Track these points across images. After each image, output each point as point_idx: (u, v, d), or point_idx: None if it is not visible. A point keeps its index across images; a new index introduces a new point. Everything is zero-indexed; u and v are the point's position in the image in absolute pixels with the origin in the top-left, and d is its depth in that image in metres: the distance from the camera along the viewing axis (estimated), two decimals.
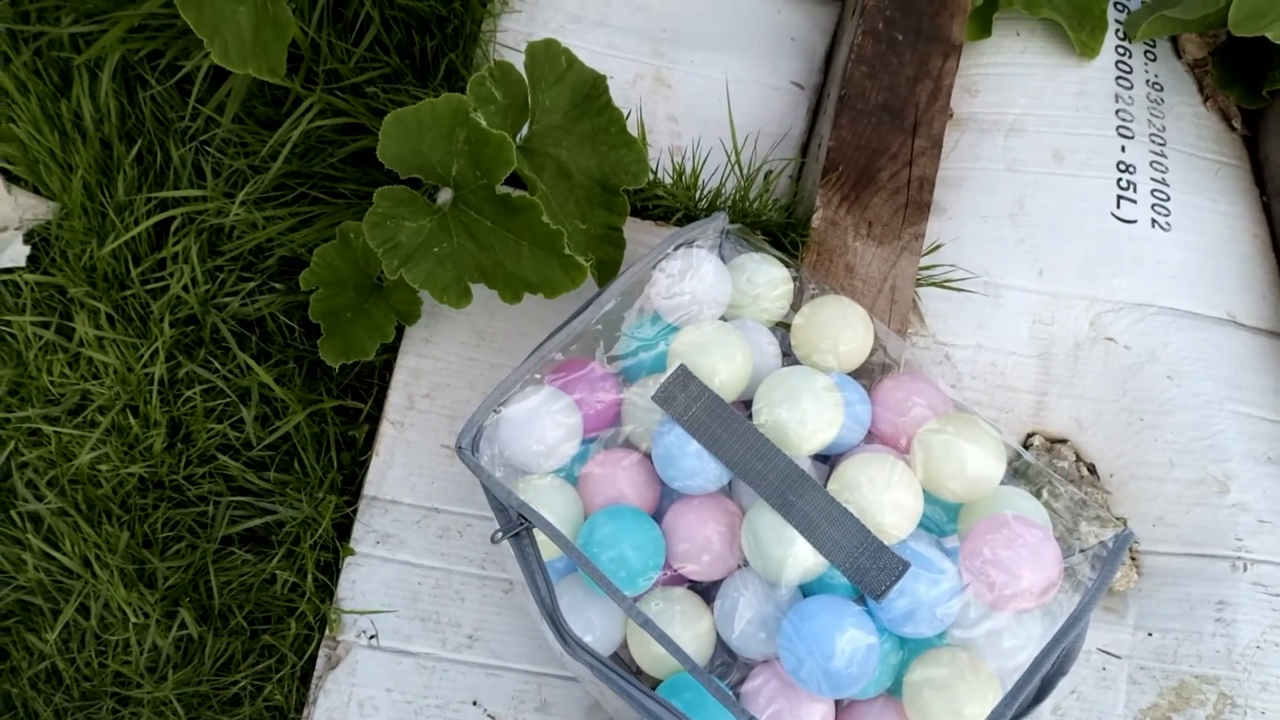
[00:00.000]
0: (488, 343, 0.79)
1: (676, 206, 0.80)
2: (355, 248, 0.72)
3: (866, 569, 0.55)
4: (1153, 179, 0.87)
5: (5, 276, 0.73)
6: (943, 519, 0.63)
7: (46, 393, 0.71)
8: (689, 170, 0.81)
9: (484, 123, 0.64)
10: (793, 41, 0.94)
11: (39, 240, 0.74)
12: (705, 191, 0.81)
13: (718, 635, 0.61)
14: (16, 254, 0.73)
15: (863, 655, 0.54)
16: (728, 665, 0.61)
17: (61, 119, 0.76)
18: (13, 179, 0.77)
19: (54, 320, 0.72)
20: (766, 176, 0.86)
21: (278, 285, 0.74)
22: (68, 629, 0.67)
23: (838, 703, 0.58)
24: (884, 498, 0.57)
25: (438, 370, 0.77)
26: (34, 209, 0.77)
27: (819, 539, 0.56)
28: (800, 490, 0.57)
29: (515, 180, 0.68)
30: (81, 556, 0.67)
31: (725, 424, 0.60)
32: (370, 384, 0.76)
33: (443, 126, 0.65)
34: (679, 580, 0.63)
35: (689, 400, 0.61)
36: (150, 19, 0.75)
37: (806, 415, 0.60)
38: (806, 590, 0.60)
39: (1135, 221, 0.84)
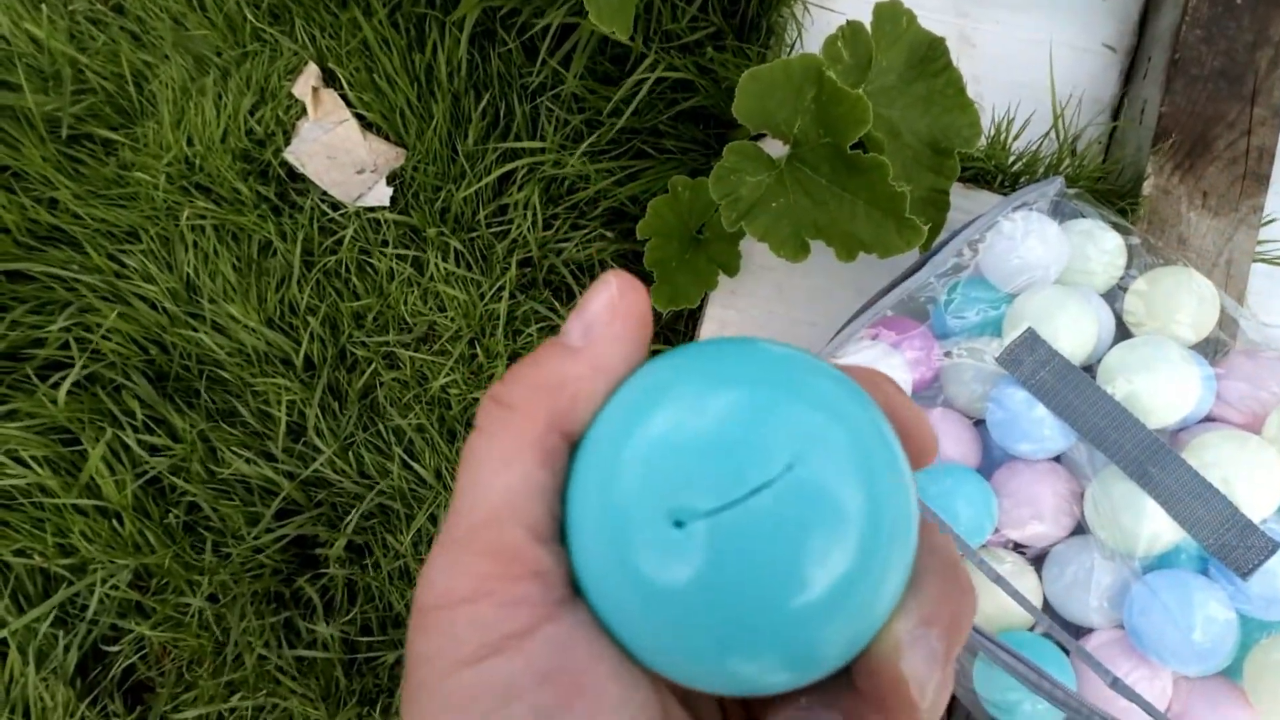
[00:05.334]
0: (785, 297, 0.81)
1: (990, 170, 0.79)
2: (682, 201, 0.76)
3: (1233, 546, 0.55)
4: None
5: (370, 214, 0.81)
6: None
7: (401, 322, 0.79)
8: (1004, 133, 0.80)
9: (838, 81, 0.66)
10: (1104, 2, 0.90)
11: (396, 183, 0.82)
12: (1019, 156, 0.79)
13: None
14: (381, 194, 0.81)
15: (1222, 630, 0.54)
16: (1049, 630, 0.61)
17: (415, 70, 0.83)
18: (364, 125, 0.85)
19: (410, 254, 0.80)
20: (1074, 141, 0.84)
21: (607, 233, 0.79)
22: (418, 534, 0.75)
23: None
24: (1247, 476, 0.56)
25: (741, 321, 0.80)
26: (385, 154, 0.84)
27: (1180, 512, 0.56)
28: (1162, 462, 0.57)
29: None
30: (434, 469, 0.75)
31: (1078, 390, 0.60)
32: (678, 331, 0.81)
33: (792, 84, 0.67)
34: (1003, 543, 0.64)
35: (1036, 364, 0.61)
36: None
37: (1164, 386, 0.59)
38: (1147, 564, 0.59)
39: None
